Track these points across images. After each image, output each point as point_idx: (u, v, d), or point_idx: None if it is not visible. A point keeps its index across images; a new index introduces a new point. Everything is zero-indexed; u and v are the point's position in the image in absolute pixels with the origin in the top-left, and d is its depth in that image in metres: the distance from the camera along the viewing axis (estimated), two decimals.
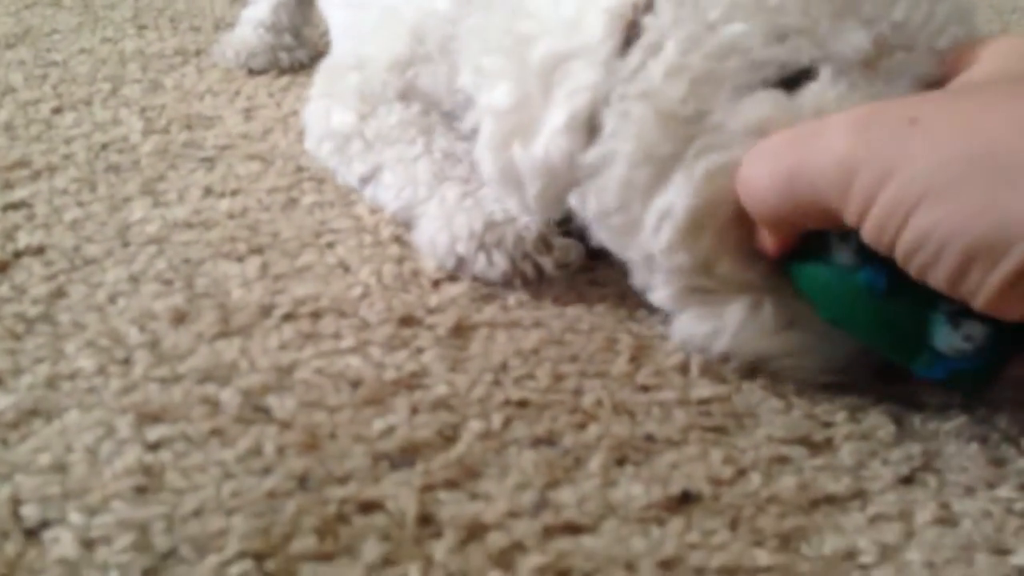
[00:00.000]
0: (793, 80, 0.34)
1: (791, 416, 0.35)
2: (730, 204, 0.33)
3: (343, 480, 0.31)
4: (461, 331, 0.40)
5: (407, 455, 0.32)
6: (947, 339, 0.31)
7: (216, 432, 0.33)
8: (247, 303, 0.41)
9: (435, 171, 0.46)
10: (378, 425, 0.33)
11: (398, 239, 0.47)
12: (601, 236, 0.39)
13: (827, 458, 0.33)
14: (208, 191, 0.51)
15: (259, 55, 0.72)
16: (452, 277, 0.43)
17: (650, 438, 0.34)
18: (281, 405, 0.34)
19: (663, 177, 0.35)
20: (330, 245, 0.46)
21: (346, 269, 0.44)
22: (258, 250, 0.45)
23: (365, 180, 0.49)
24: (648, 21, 0.36)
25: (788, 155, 0.31)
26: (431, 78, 0.49)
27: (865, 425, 0.35)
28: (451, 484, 0.31)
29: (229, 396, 0.34)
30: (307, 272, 0.44)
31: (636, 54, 0.35)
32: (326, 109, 0.52)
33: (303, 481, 0.30)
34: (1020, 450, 0.34)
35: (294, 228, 0.47)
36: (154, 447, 0.32)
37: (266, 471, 0.31)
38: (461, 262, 0.42)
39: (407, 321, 0.40)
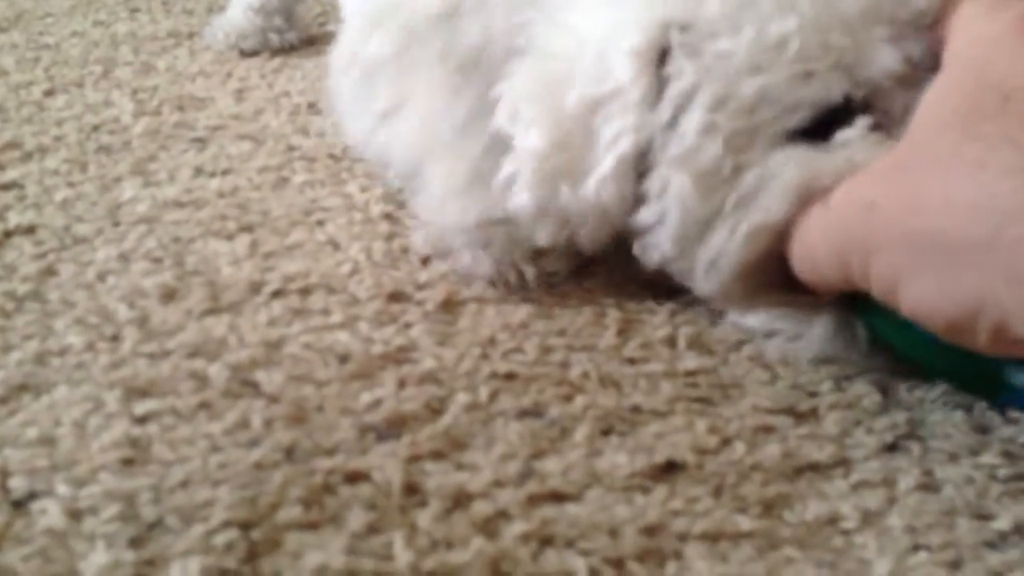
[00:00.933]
0: (830, 120, 0.34)
1: (777, 387, 0.35)
2: (773, 258, 0.34)
3: (330, 452, 0.31)
4: (449, 306, 0.40)
5: (394, 427, 0.32)
6: (1019, 378, 0.32)
7: (204, 406, 0.33)
8: (236, 280, 0.41)
9: (456, 126, 0.44)
10: (365, 398, 0.33)
11: (388, 216, 0.47)
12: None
13: (811, 427, 0.33)
14: (199, 171, 0.51)
15: (249, 37, 0.72)
16: (439, 255, 0.43)
17: (636, 409, 0.34)
18: (269, 379, 0.34)
19: (708, 229, 0.35)
20: (320, 223, 0.46)
21: (336, 246, 0.44)
22: (248, 228, 0.45)
23: (385, 115, 0.47)
24: (672, 70, 0.35)
25: (835, 234, 0.32)
26: (467, 31, 0.46)
27: (850, 394, 0.35)
28: (437, 455, 0.31)
29: (217, 371, 0.34)
30: (297, 249, 0.44)
31: (666, 108, 0.35)
32: (365, 35, 0.49)
33: (290, 453, 0.31)
34: (1004, 418, 0.34)
35: (284, 206, 0.48)
36: (142, 420, 0.32)
37: (253, 443, 0.31)
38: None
39: (396, 297, 0.40)
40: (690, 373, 0.36)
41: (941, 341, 0.31)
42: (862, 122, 0.33)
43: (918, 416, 0.34)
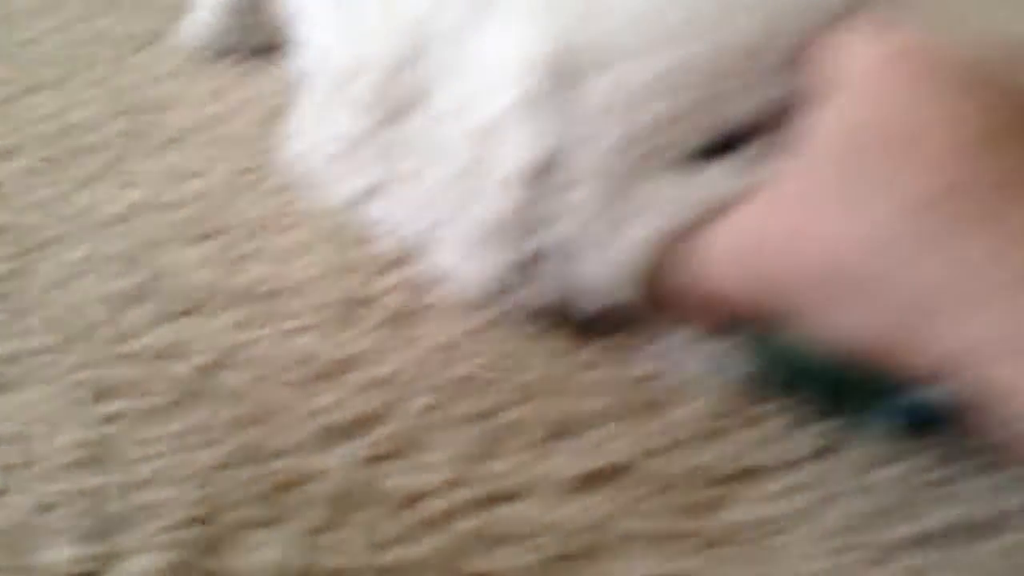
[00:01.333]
0: (729, 142, 0.35)
1: (726, 391, 0.37)
2: (668, 272, 0.35)
3: (290, 452, 0.32)
4: (412, 311, 0.41)
5: (353, 428, 0.34)
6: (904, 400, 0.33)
7: (170, 406, 0.34)
8: (205, 283, 0.42)
9: (458, 191, 0.42)
10: (326, 400, 0.35)
11: (356, 222, 0.48)
12: None
13: (757, 430, 0.35)
14: (171, 173, 0.52)
15: (219, 37, 0.73)
16: (405, 260, 0.45)
17: (587, 413, 0.35)
18: (233, 381, 0.35)
19: (610, 237, 0.36)
20: (288, 228, 0.47)
21: (303, 251, 0.45)
22: (217, 232, 0.46)
23: (369, 193, 0.46)
24: (578, 91, 0.36)
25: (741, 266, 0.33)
26: (424, 74, 0.45)
27: (794, 399, 0.36)
28: (394, 455, 0.32)
29: (183, 372, 0.36)
30: (264, 254, 0.45)
31: (575, 124, 0.36)
32: (324, 115, 0.49)
33: (251, 452, 0.32)
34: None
35: (254, 210, 0.49)
36: (110, 420, 0.33)
37: (216, 443, 0.32)
38: (500, 290, 0.40)
39: (359, 301, 0.41)
40: (641, 379, 0.37)
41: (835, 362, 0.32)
42: (757, 145, 0.35)
43: (858, 420, 0.35)
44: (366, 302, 0.41)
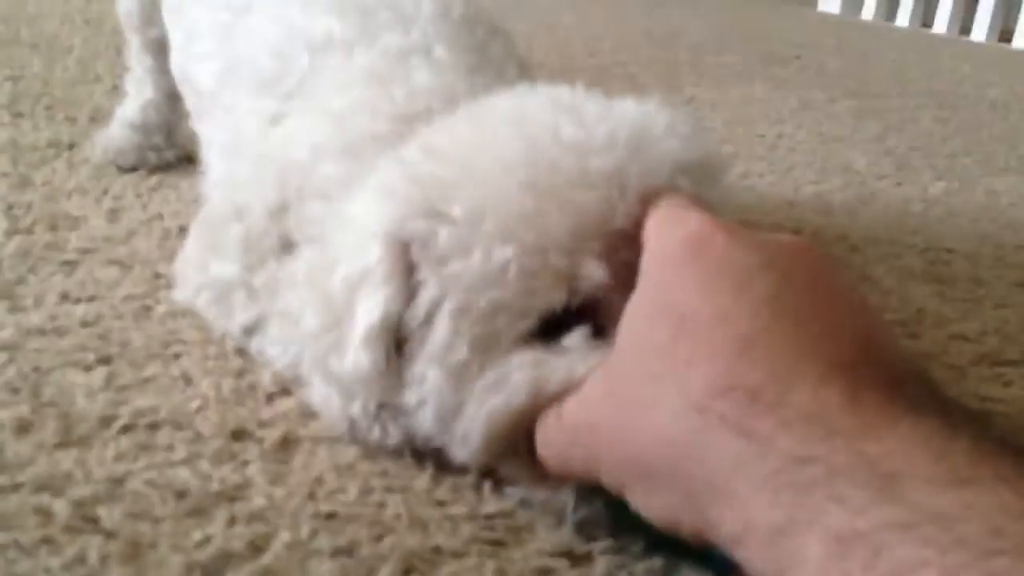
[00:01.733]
0: (557, 322, 0.39)
1: (562, 531, 0.41)
2: (515, 435, 0.40)
3: None
4: (287, 445, 0.44)
5: (219, 564, 0.36)
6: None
7: (46, 540, 0.36)
8: (89, 414, 0.44)
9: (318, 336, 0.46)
10: (196, 536, 0.38)
11: (241, 351, 0.51)
12: None
13: (584, 569, 0.39)
14: (65, 296, 0.55)
15: (128, 153, 0.76)
16: (286, 391, 0.48)
17: (437, 550, 0.39)
18: (109, 515, 0.38)
19: (460, 412, 0.41)
20: (176, 356, 0.50)
21: (188, 381, 0.48)
22: (106, 360, 0.49)
23: (249, 331, 0.51)
24: (419, 279, 0.41)
25: (567, 447, 0.38)
26: (293, 222, 0.50)
27: (622, 540, 0.41)
28: None
29: (61, 506, 0.38)
30: (151, 383, 0.48)
31: (419, 310, 0.41)
32: (203, 260, 0.53)
33: None
34: None
35: (144, 338, 0.52)
36: None
37: None
38: (354, 426, 0.44)
39: (238, 435, 0.45)
40: (489, 516, 0.41)
41: None
42: (582, 330, 0.39)
43: (673, 561, 0.40)
44: (242, 435, 0.45)
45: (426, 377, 0.41)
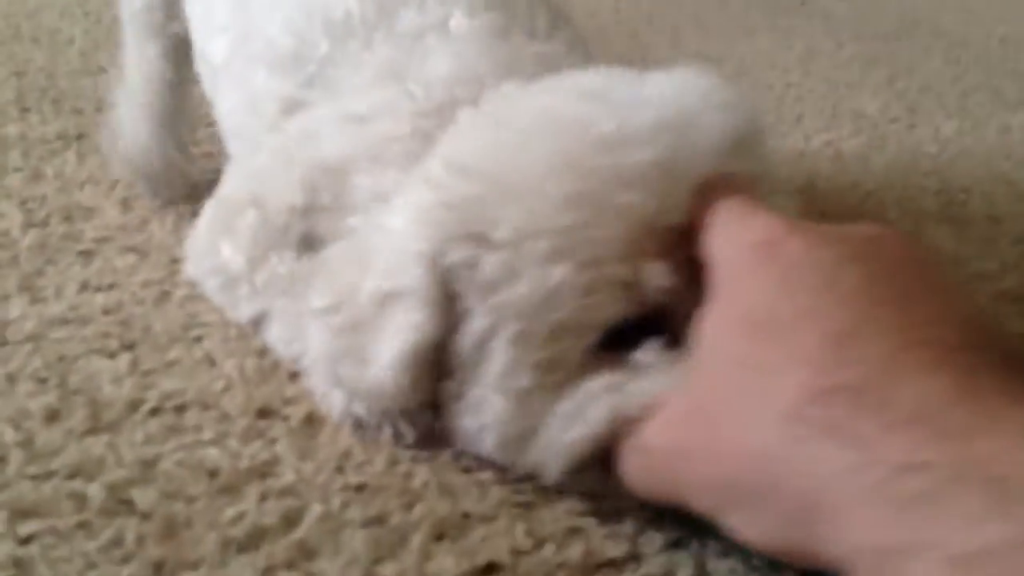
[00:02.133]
0: (624, 332, 0.37)
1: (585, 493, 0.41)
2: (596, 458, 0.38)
3: (195, 565, 0.36)
4: (312, 421, 0.45)
5: (253, 539, 0.37)
6: None
7: (82, 525, 0.37)
8: (117, 399, 0.45)
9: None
10: (229, 513, 0.38)
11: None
12: None
13: (612, 527, 0.39)
14: (84, 286, 0.55)
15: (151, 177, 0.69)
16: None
17: (467, 515, 0.39)
18: (143, 497, 0.39)
19: (529, 441, 0.38)
20: (198, 339, 0.51)
21: (211, 363, 0.49)
22: (130, 346, 0.50)
23: (254, 322, 0.50)
24: (465, 307, 0.38)
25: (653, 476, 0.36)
26: (328, 226, 0.48)
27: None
28: (290, 564, 0.36)
29: (95, 491, 0.39)
30: (175, 367, 0.48)
31: (468, 338, 0.38)
32: (214, 242, 0.52)
33: (159, 568, 0.35)
34: None
35: (165, 322, 0.52)
36: (26, 541, 0.36)
37: (126, 560, 0.35)
38: (360, 424, 0.43)
39: (264, 413, 0.45)
40: (518, 480, 0.42)
41: None
42: (654, 342, 0.37)
43: (702, 519, 0.40)
44: (268, 413, 0.45)
45: (487, 404, 0.39)
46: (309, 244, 0.49)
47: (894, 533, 0.27)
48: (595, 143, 0.37)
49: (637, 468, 0.36)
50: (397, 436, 0.43)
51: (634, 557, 0.38)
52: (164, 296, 0.55)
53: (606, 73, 0.42)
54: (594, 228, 0.36)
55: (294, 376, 0.48)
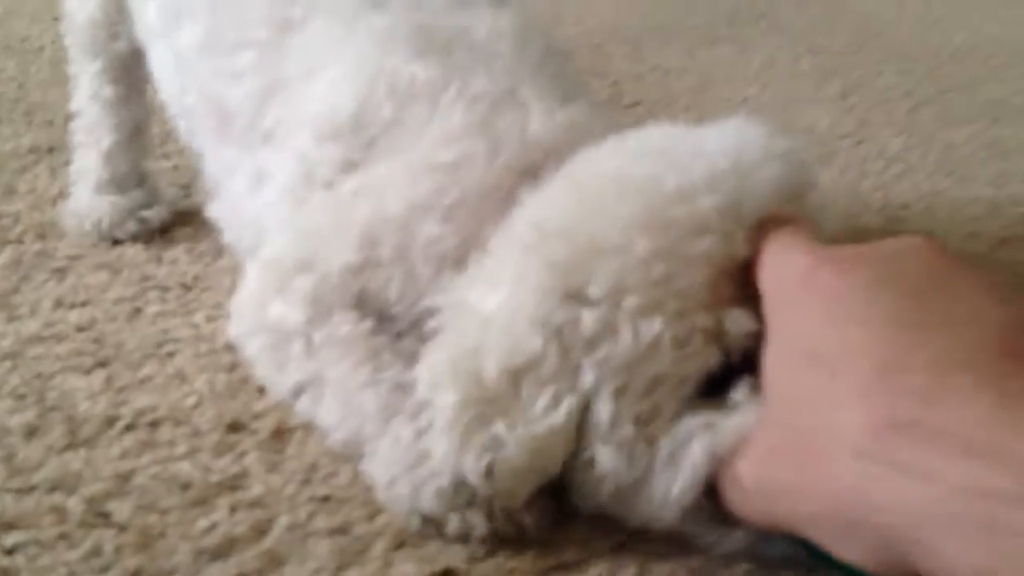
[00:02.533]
0: (716, 381, 0.39)
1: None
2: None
3: (169, 574, 0.38)
4: (280, 435, 0.47)
5: (225, 549, 0.40)
6: None
7: (63, 536, 0.39)
8: (93, 415, 0.47)
9: (383, 404, 0.43)
10: (202, 524, 0.41)
11: (231, 347, 0.54)
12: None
13: (562, 533, 0.42)
14: (59, 303, 0.57)
15: (117, 222, 0.67)
16: None
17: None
18: (120, 509, 0.41)
19: (639, 489, 0.39)
20: (170, 355, 0.53)
21: (183, 379, 0.51)
22: (104, 362, 0.52)
23: (299, 389, 0.46)
24: (575, 356, 0.39)
25: (751, 508, 0.37)
26: (384, 282, 0.47)
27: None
28: (260, 572, 0.39)
29: (74, 503, 0.41)
30: (148, 383, 0.51)
31: (579, 392, 0.39)
32: (265, 300, 0.48)
33: None
34: None
35: (137, 339, 0.54)
36: (10, 552, 0.38)
37: (105, 569, 0.38)
38: (428, 522, 0.41)
39: (234, 427, 0.48)
40: None
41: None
42: (747, 381, 0.38)
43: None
44: (238, 428, 0.48)
45: (598, 458, 0.39)
46: (363, 303, 0.47)
47: (983, 555, 0.28)
48: (667, 196, 0.39)
49: (737, 501, 0.38)
50: (465, 527, 0.41)
51: (582, 559, 0.41)
52: (136, 312, 0.57)
53: (662, 131, 0.45)
54: (679, 279, 0.38)
55: (262, 390, 0.50)
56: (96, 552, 0.39)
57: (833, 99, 1.18)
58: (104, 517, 0.41)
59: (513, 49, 0.51)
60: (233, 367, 0.52)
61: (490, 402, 0.39)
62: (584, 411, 0.39)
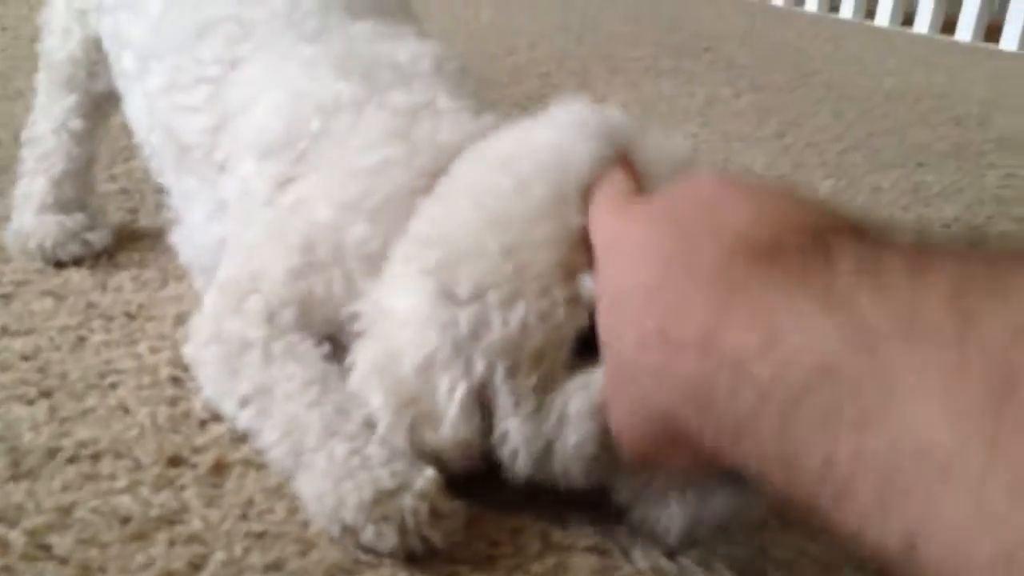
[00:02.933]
0: (587, 337, 0.43)
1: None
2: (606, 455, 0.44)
3: None
4: (220, 469, 0.49)
5: None
6: None
7: (6, 569, 0.41)
8: (36, 446, 0.49)
9: (325, 424, 0.47)
10: (140, 559, 0.42)
11: (174, 379, 0.56)
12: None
13: (484, 572, 0.45)
14: (4, 330, 0.58)
15: (62, 242, 0.68)
16: (216, 418, 0.53)
17: (357, 562, 0.44)
18: (61, 542, 0.43)
19: (549, 452, 0.45)
20: (113, 386, 0.55)
21: (125, 411, 0.53)
22: (47, 393, 0.53)
23: (246, 401, 0.49)
24: (467, 349, 0.44)
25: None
26: (326, 284, 0.51)
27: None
28: None
29: (16, 536, 0.43)
30: (90, 414, 0.52)
31: (476, 377, 0.44)
32: (222, 316, 0.52)
33: None
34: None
35: (81, 369, 0.56)
36: None
37: None
38: (347, 530, 0.44)
39: (174, 461, 0.49)
40: None
41: None
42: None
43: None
44: (178, 462, 0.49)
45: (509, 432, 0.45)
46: (311, 311, 0.51)
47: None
48: (505, 198, 0.45)
49: (622, 441, 0.42)
50: (378, 539, 0.44)
51: (558, 566, 0.44)
52: (80, 342, 0.59)
53: (504, 136, 0.50)
54: (531, 266, 0.43)
55: (203, 424, 0.52)
56: None
57: (770, 138, 1.23)
58: (46, 550, 0.42)
59: (432, 69, 0.57)
60: (175, 400, 0.54)
61: (412, 399, 0.45)
62: (486, 393, 0.44)
